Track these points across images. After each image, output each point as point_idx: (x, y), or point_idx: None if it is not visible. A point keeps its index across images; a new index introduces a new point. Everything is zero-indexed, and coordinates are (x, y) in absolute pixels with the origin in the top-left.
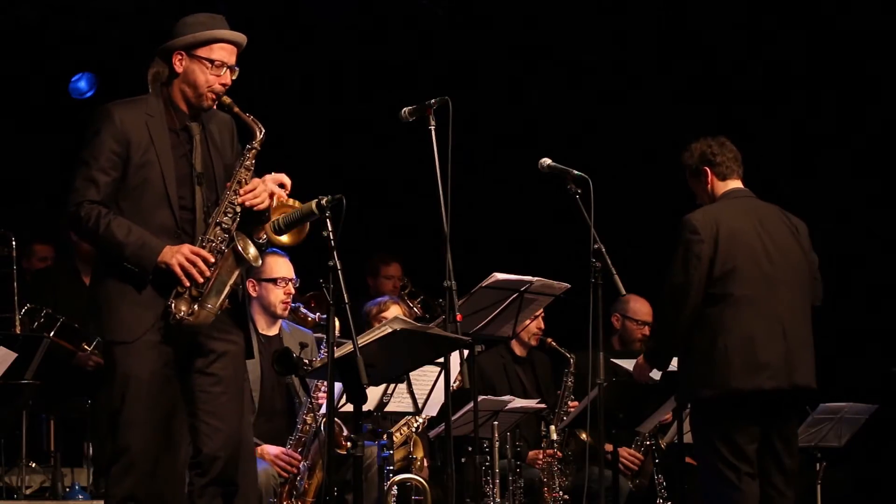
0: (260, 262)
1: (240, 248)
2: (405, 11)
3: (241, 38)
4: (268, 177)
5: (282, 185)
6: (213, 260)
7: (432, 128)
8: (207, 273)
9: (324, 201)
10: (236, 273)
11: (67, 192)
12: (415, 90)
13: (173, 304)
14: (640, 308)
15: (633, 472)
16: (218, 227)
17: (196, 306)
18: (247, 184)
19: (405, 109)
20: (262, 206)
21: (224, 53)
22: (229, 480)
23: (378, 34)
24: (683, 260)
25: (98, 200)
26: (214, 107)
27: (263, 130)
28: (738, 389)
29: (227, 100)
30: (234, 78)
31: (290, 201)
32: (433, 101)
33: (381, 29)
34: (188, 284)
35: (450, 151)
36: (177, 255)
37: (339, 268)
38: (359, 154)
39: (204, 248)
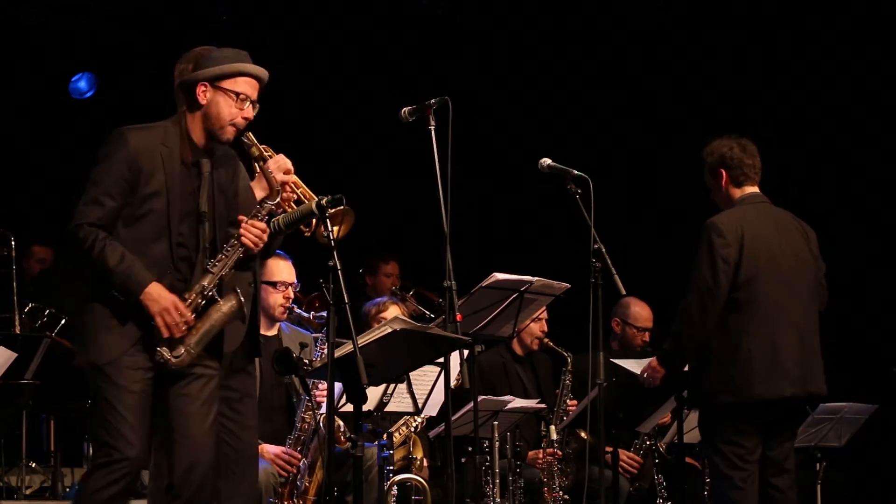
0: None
1: (235, 305)
2: (405, 11)
3: (264, 73)
4: (271, 163)
5: (286, 172)
6: (192, 322)
7: (432, 128)
8: (184, 330)
9: (324, 201)
10: (224, 324)
11: (72, 210)
12: (415, 90)
13: (162, 348)
14: (640, 313)
15: (632, 475)
16: (215, 277)
17: (183, 350)
18: None
19: (405, 109)
20: (255, 251)
21: (248, 87)
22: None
23: (378, 34)
24: (710, 263)
25: (98, 224)
26: (232, 139)
27: (279, 189)
28: (759, 395)
29: (249, 140)
30: (254, 113)
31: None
32: (433, 101)
33: (381, 29)
34: (166, 336)
35: (450, 151)
36: (162, 312)
37: (339, 268)
38: (358, 154)
39: (196, 294)
